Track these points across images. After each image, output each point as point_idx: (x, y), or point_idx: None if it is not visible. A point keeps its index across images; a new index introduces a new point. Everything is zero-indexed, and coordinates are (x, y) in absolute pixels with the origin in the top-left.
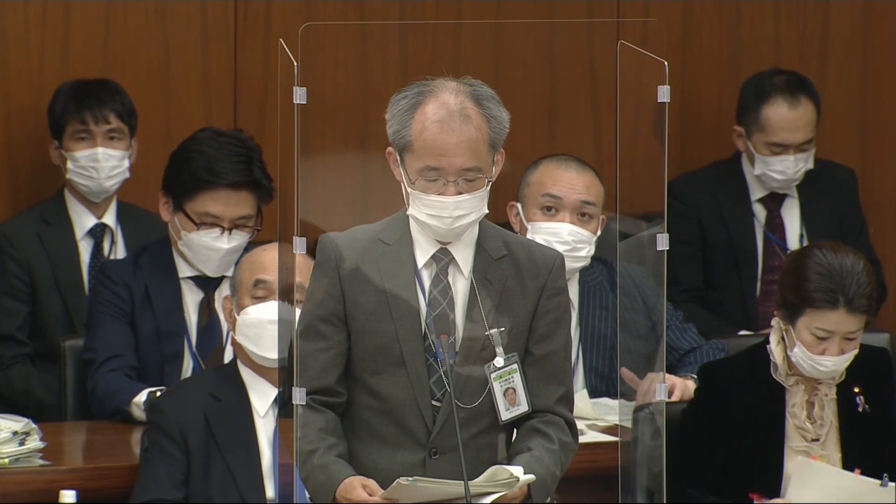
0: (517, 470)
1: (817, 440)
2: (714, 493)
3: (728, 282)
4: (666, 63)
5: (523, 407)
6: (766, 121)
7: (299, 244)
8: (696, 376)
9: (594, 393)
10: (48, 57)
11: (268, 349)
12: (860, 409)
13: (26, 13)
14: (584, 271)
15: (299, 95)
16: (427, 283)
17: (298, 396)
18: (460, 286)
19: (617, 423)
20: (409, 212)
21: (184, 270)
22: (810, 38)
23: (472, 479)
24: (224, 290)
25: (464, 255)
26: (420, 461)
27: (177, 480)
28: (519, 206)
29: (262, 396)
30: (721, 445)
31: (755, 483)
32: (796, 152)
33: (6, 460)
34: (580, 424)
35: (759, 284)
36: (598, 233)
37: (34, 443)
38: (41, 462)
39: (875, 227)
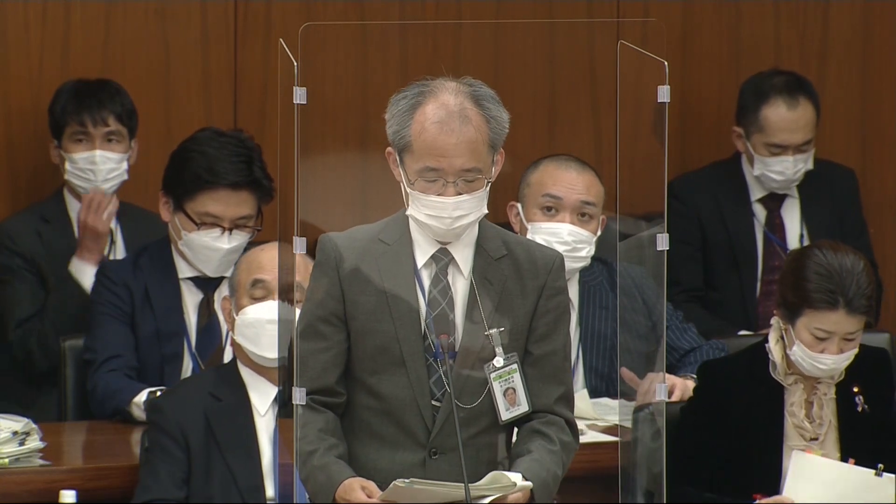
0: (516, 476)
1: (816, 439)
2: (712, 492)
3: (728, 282)
4: (666, 63)
5: (523, 407)
6: (765, 122)
7: (299, 244)
8: (695, 376)
9: (594, 393)
10: (48, 57)
11: (267, 349)
12: (859, 409)
13: (26, 13)
14: (584, 271)
15: (299, 95)
16: (427, 283)
17: (298, 396)
18: (460, 286)
19: (617, 423)
20: (408, 212)
21: (183, 271)
22: (810, 38)
23: (472, 479)
24: (224, 291)
25: (463, 255)
26: (420, 461)
27: (178, 480)
28: (519, 206)
29: (262, 396)
30: (720, 444)
31: (754, 482)
32: (795, 153)
33: (6, 460)
34: (580, 424)
35: (759, 284)
36: (598, 233)
37: (34, 443)
38: (41, 462)
39: (875, 227)
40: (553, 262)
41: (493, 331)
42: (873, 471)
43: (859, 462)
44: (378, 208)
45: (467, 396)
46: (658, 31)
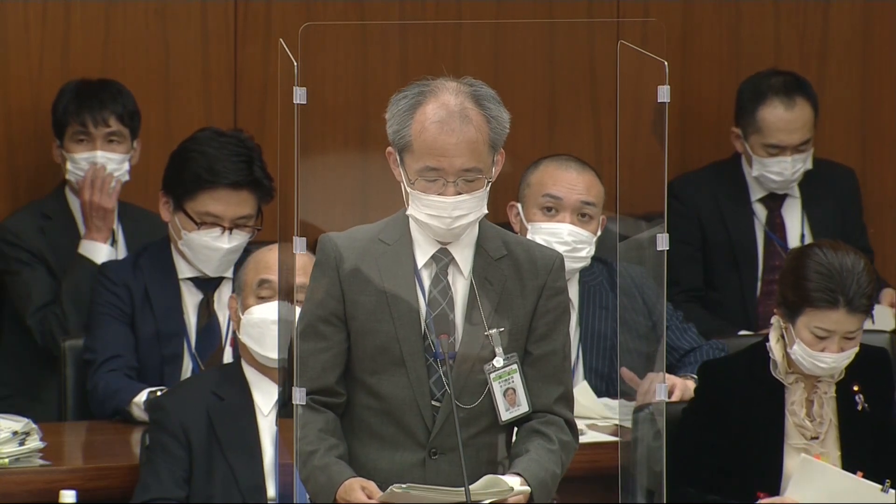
0: (514, 481)
1: (816, 438)
2: (713, 492)
3: (728, 282)
4: (666, 63)
5: (523, 407)
6: (763, 122)
7: (299, 244)
8: (696, 376)
9: (594, 393)
10: (48, 57)
11: (271, 349)
12: (859, 408)
13: (26, 13)
14: (584, 271)
15: (299, 95)
16: (427, 283)
17: (298, 396)
18: (460, 286)
19: (617, 422)
20: (408, 212)
21: (183, 271)
22: (810, 38)
23: (472, 479)
24: (223, 292)
25: (463, 256)
26: (420, 461)
27: (178, 479)
28: (519, 206)
29: (265, 395)
30: (721, 443)
31: (754, 481)
32: (793, 153)
33: (6, 460)
34: (580, 424)
35: (759, 284)
36: (599, 233)
37: (34, 443)
38: (41, 462)
39: (875, 227)
40: (553, 262)
41: (493, 331)
42: (880, 486)
43: (859, 460)
44: (378, 208)
45: (467, 397)
46: (658, 31)
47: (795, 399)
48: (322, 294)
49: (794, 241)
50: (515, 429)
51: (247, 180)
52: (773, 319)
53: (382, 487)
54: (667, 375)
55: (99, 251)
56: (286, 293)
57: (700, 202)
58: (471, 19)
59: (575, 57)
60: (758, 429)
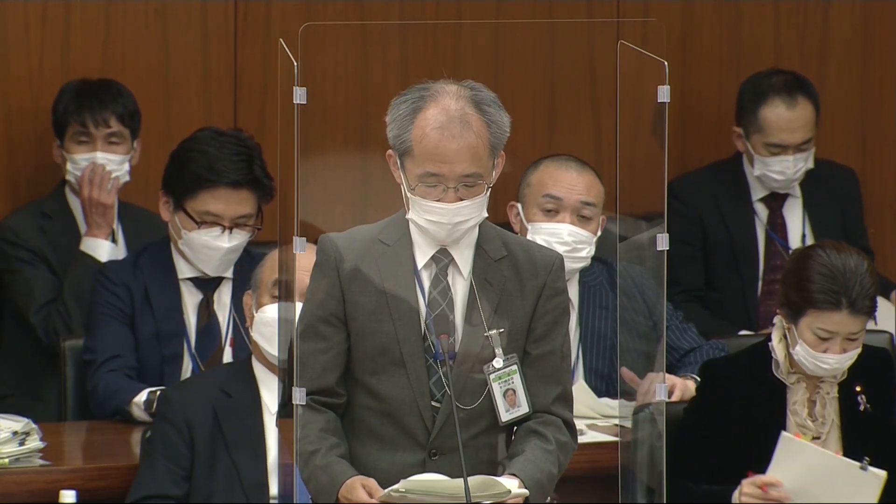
0: (511, 482)
1: (818, 438)
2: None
3: (728, 282)
4: (666, 63)
5: (524, 408)
6: (765, 121)
7: (299, 244)
8: (696, 376)
9: (594, 393)
10: (48, 57)
11: None
12: (861, 409)
13: (26, 13)
14: (584, 271)
15: (299, 95)
16: (427, 283)
17: (298, 396)
18: (460, 287)
19: (617, 422)
20: (408, 216)
21: (183, 271)
22: (810, 38)
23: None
24: (223, 292)
25: (463, 256)
26: (420, 462)
27: (176, 477)
28: (519, 206)
29: (274, 393)
30: (721, 442)
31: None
32: (795, 152)
33: (6, 460)
34: (580, 424)
35: (760, 284)
36: (599, 233)
37: (34, 443)
38: (41, 462)
39: (875, 227)
40: (553, 262)
41: (493, 332)
42: (858, 464)
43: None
44: (378, 208)
45: (467, 397)
46: (658, 31)
47: (797, 399)
48: (322, 294)
49: (795, 241)
50: (514, 429)
51: (247, 179)
52: (776, 319)
53: (382, 488)
54: (667, 375)
55: (100, 247)
56: (286, 293)
57: (700, 202)
58: (471, 19)
59: (575, 57)
60: (759, 428)
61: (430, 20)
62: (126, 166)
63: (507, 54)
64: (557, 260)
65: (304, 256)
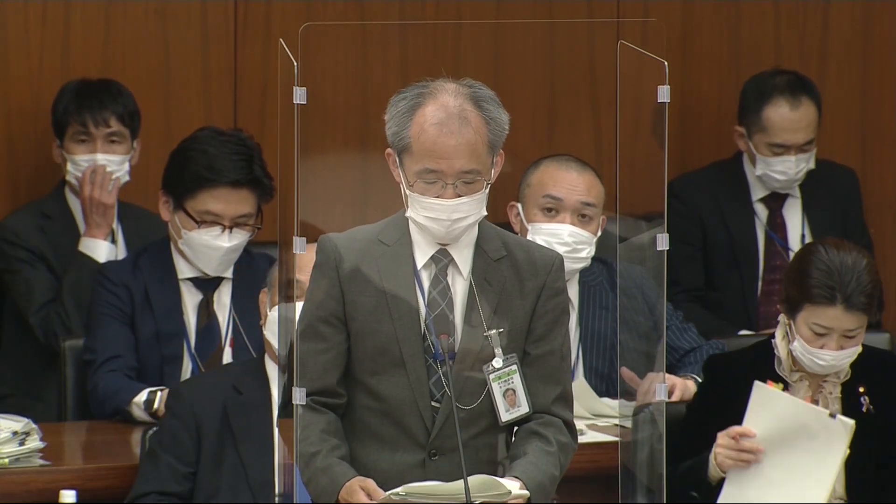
0: (512, 484)
1: None
2: (713, 490)
3: (728, 282)
4: (666, 63)
5: (524, 408)
6: (768, 121)
7: (299, 244)
8: (696, 376)
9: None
10: (48, 57)
11: None
12: (864, 409)
13: (26, 13)
14: (584, 271)
15: (299, 95)
16: (426, 283)
17: (298, 397)
18: (459, 287)
19: (617, 423)
20: (407, 213)
21: (183, 271)
22: (810, 38)
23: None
24: (223, 292)
25: (463, 256)
26: (420, 462)
27: (179, 474)
28: (519, 206)
29: None
30: None
31: None
32: (798, 153)
33: (6, 460)
34: (580, 424)
35: (759, 284)
36: (599, 233)
37: (34, 443)
38: (41, 462)
39: (875, 227)
40: (552, 262)
41: (493, 332)
42: (827, 411)
43: (863, 462)
44: (378, 208)
45: (467, 397)
46: (658, 31)
47: (799, 397)
48: (322, 295)
49: (794, 241)
50: (515, 429)
51: (247, 179)
52: (780, 316)
53: (382, 488)
54: (667, 375)
55: (99, 248)
56: (286, 292)
57: (700, 202)
58: (471, 19)
59: (575, 57)
60: None
61: (430, 20)
62: (126, 166)
63: (507, 54)
64: (557, 260)
65: (307, 256)
